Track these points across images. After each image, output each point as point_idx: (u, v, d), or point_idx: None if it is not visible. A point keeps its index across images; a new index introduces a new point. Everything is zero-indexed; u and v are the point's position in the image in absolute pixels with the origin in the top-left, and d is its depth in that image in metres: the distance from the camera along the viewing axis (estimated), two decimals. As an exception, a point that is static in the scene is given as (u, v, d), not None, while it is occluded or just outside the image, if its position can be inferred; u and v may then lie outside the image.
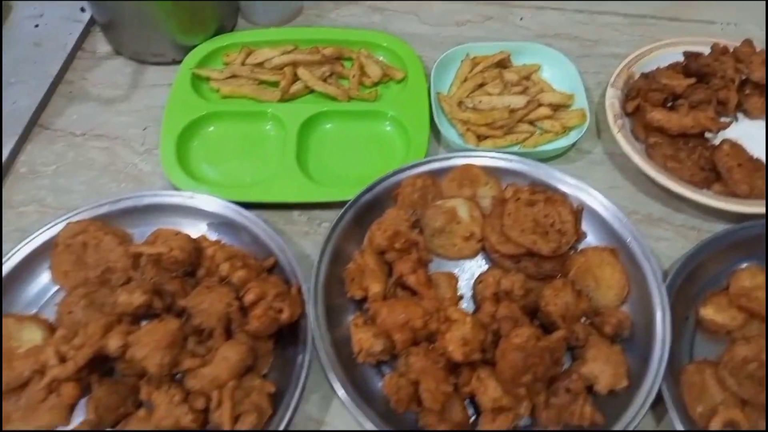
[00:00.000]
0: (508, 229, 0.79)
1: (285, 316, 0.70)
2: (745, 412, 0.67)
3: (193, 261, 0.76)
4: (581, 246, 0.81)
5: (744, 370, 0.68)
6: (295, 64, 1.00)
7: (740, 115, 0.95)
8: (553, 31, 1.10)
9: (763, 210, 0.81)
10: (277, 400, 0.69)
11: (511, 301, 0.71)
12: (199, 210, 0.83)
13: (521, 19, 1.12)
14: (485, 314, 0.69)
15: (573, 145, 0.92)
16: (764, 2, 1.11)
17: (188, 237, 0.77)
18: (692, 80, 0.89)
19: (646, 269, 0.75)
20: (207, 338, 0.71)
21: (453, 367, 0.67)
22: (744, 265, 0.78)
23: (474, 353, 0.65)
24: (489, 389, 0.65)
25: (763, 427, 0.67)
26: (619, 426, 0.65)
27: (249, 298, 0.70)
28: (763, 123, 0.93)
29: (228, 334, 0.71)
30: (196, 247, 0.77)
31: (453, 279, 0.76)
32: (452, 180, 0.85)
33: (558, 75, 0.99)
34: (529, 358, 0.62)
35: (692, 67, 0.92)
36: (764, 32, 1.05)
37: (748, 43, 0.94)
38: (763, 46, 0.95)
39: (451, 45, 1.01)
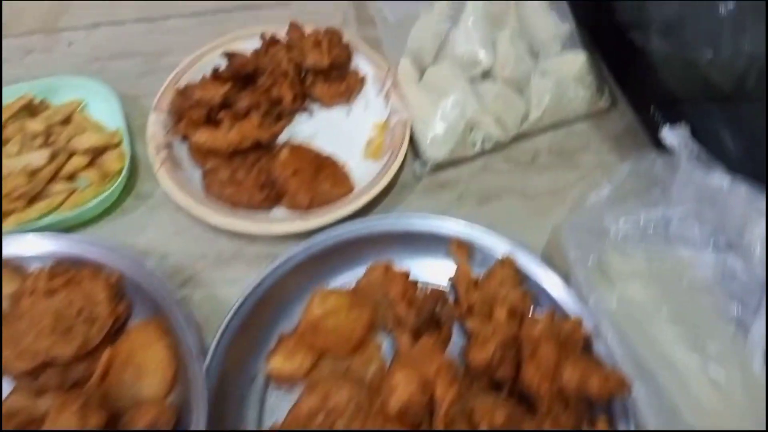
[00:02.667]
0: (23, 337, 0.61)
1: None
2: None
3: None
4: (133, 323, 0.65)
5: (312, 425, 0.57)
6: None
7: (318, 107, 0.84)
8: (108, 51, 0.91)
9: (328, 220, 0.70)
10: None
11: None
12: None
13: (70, 44, 0.92)
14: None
15: (124, 193, 0.76)
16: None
17: None
18: (228, 86, 0.75)
19: (185, 340, 0.61)
20: None
21: None
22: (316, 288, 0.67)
23: None
24: None
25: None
26: None
27: None
28: (341, 108, 0.84)
29: None
30: None
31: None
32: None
33: (105, 109, 0.81)
34: None
35: (235, 69, 0.78)
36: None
37: (294, 27, 0.83)
38: (318, 25, 0.84)
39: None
